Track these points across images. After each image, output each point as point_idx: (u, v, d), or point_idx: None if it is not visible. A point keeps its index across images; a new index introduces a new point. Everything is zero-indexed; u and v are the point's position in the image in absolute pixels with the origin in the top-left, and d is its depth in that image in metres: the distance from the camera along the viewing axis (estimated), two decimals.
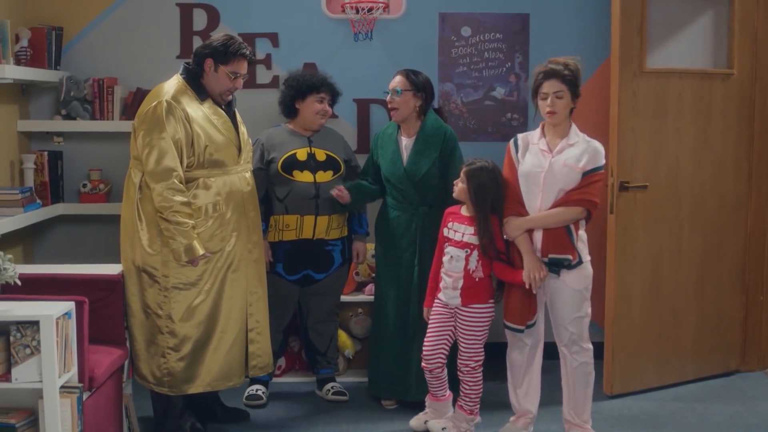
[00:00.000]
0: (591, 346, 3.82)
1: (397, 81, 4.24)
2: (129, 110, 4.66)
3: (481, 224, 3.71)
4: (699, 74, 4.60)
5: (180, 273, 3.70)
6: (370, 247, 4.62)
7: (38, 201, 4.45)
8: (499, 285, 3.83)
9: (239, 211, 3.83)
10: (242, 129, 3.94)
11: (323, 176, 4.31)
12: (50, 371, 3.09)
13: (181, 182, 3.64)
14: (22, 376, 3.10)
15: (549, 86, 3.69)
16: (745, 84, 4.74)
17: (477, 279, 3.77)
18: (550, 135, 3.74)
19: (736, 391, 4.60)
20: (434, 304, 3.89)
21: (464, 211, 3.83)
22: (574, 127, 3.75)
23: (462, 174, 3.80)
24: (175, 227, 3.60)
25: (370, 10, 4.75)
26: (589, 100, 4.89)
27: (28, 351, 3.09)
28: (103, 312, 3.69)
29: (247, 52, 3.82)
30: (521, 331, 3.76)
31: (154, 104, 3.67)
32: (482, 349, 3.83)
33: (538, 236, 3.70)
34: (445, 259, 3.82)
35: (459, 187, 3.81)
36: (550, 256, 3.68)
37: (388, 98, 4.25)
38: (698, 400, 4.45)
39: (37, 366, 3.09)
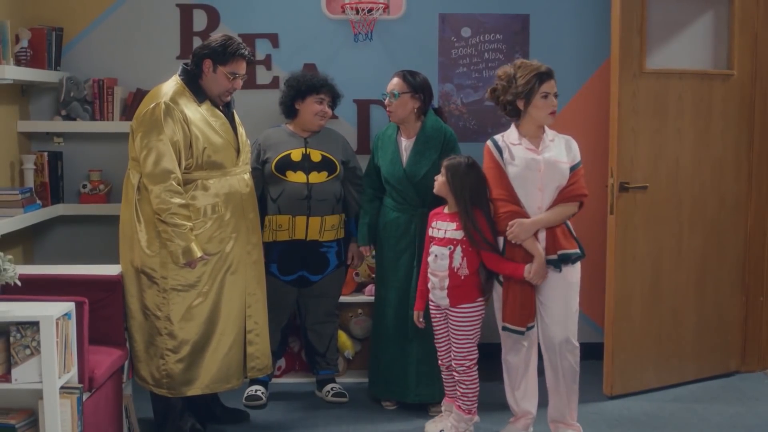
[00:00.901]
0: (578, 344, 3.80)
1: (395, 83, 4.23)
2: (129, 111, 4.65)
3: (464, 215, 3.72)
4: (699, 75, 4.60)
5: (179, 274, 3.70)
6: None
7: (38, 201, 4.45)
8: (488, 278, 3.81)
9: (238, 213, 3.83)
10: (241, 130, 3.93)
11: (317, 177, 4.30)
12: (50, 372, 3.09)
13: (179, 184, 3.64)
14: (22, 376, 3.10)
15: (549, 86, 3.72)
16: (745, 85, 4.74)
17: (462, 277, 3.75)
18: (529, 134, 3.76)
19: (736, 391, 4.59)
20: (430, 307, 3.89)
21: (447, 209, 3.84)
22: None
23: (442, 168, 3.83)
24: (173, 229, 3.60)
25: (370, 10, 4.74)
26: (589, 100, 4.91)
27: (28, 351, 3.09)
28: (103, 312, 3.69)
29: (246, 53, 3.81)
30: (522, 332, 3.75)
31: (152, 106, 3.67)
32: (476, 348, 3.83)
33: (542, 235, 3.71)
34: (429, 258, 3.82)
35: (439, 181, 3.83)
36: (560, 252, 3.69)
37: (386, 101, 4.24)
38: (698, 401, 4.45)
39: (37, 366, 3.09)
